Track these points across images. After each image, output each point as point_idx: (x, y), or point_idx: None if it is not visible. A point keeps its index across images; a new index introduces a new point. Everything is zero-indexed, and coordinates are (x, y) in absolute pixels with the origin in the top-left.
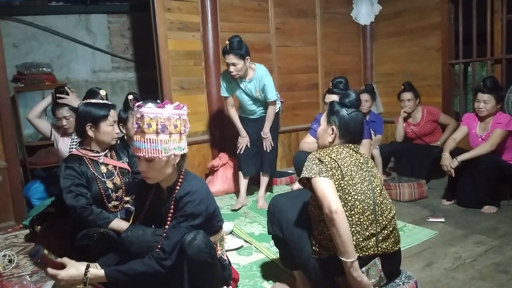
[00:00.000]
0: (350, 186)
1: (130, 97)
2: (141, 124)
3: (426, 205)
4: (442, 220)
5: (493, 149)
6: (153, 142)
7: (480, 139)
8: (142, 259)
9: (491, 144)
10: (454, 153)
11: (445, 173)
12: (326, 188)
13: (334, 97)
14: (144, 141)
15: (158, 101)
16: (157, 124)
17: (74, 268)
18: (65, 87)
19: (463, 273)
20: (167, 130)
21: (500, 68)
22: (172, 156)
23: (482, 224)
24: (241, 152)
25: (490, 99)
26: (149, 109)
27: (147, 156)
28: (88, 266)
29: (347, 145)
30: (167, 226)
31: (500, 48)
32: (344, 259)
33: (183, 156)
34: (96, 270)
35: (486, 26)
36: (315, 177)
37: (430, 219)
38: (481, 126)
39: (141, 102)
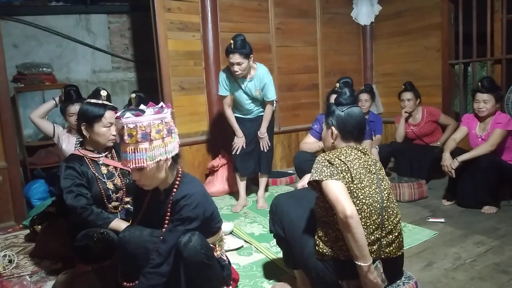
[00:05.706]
0: (359, 190)
1: (133, 95)
2: (123, 135)
3: (426, 205)
4: (442, 220)
5: (493, 149)
6: (137, 152)
7: (480, 139)
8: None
9: (491, 144)
10: (454, 154)
11: (445, 173)
12: (338, 191)
13: None
14: (128, 152)
15: (152, 105)
16: (137, 133)
17: None
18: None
19: (463, 273)
20: (149, 137)
21: (500, 68)
22: (161, 162)
23: (482, 224)
24: (237, 153)
25: (489, 98)
26: (128, 119)
27: (132, 166)
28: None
29: (355, 146)
30: (164, 229)
31: (500, 48)
32: (361, 264)
33: (175, 158)
34: None
35: (486, 26)
36: (326, 179)
37: (430, 220)
38: (481, 126)
39: (119, 113)
